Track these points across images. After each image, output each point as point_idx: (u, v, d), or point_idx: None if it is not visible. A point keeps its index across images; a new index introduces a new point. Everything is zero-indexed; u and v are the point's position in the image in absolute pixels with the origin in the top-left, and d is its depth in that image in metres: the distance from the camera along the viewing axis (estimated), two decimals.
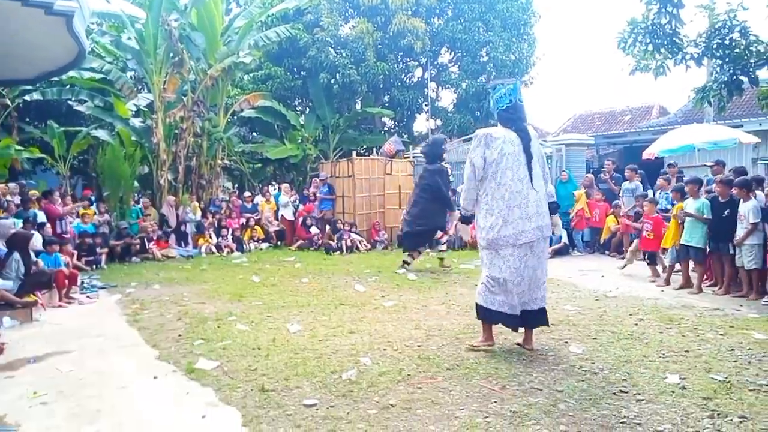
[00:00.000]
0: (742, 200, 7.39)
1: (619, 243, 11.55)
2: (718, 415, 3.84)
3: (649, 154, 12.79)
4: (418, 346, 5.54)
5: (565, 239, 11.88)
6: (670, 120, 20.34)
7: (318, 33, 18.16)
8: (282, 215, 15.20)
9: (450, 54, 21.06)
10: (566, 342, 5.61)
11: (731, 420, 3.76)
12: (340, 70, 18.24)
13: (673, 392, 4.28)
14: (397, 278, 9.52)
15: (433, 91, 21.40)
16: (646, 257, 9.22)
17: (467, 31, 19.28)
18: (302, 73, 19.56)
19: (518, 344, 5.40)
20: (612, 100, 60.21)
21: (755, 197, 7.42)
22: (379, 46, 18.96)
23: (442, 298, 7.80)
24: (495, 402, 4.14)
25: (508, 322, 5.27)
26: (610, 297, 7.70)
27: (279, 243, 14.79)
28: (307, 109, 20.74)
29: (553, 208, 5.35)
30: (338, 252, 13.12)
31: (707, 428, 3.66)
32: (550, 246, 11.60)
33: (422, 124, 22.65)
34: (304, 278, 9.59)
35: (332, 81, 18.87)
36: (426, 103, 20.36)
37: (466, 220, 5.51)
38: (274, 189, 16.41)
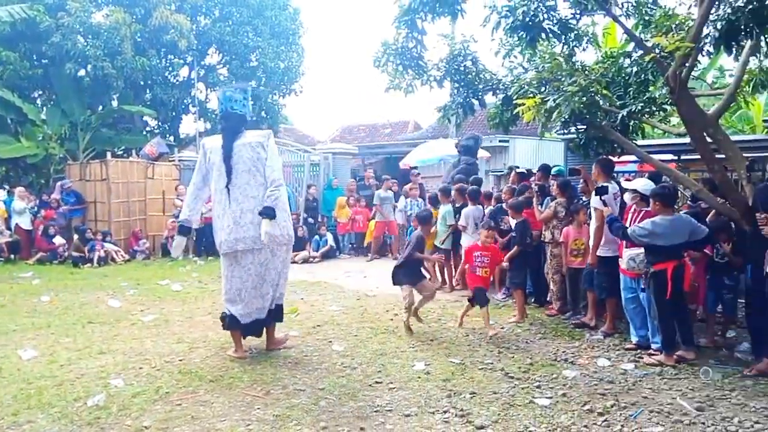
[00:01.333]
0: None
1: (381, 245, 12.50)
2: (455, 393, 4.40)
3: (405, 164, 14.11)
4: (180, 360, 5.24)
5: (331, 242, 12.41)
6: (423, 134, 22.76)
7: (63, 18, 16.02)
8: (17, 224, 13.00)
9: (219, 55, 20.45)
10: (330, 341, 5.86)
11: (464, 396, 4.34)
12: (92, 62, 16.35)
13: (419, 378, 4.77)
14: (159, 290, 8.87)
15: (201, 92, 20.54)
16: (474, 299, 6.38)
17: (236, 34, 18.95)
18: (44, 61, 17.04)
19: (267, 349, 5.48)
20: (375, 113, 65.12)
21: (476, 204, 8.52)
22: (139, 40, 17.51)
23: (208, 308, 7.50)
24: (259, 408, 4.12)
25: (246, 331, 5.36)
26: (370, 296, 8.27)
27: (13, 256, 12.63)
28: (50, 102, 18.13)
29: (268, 213, 5.00)
30: (89, 264, 11.71)
31: (445, 406, 4.16)
32: (317, 250, 12.05)
33: (190, 125, 21.57)
34: (44, 296, 8.34)
35: (82, 73, 16.81)
36: (193, 104, 19.42)
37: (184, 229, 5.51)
38: (4, 193, 13.92)
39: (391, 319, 6.78)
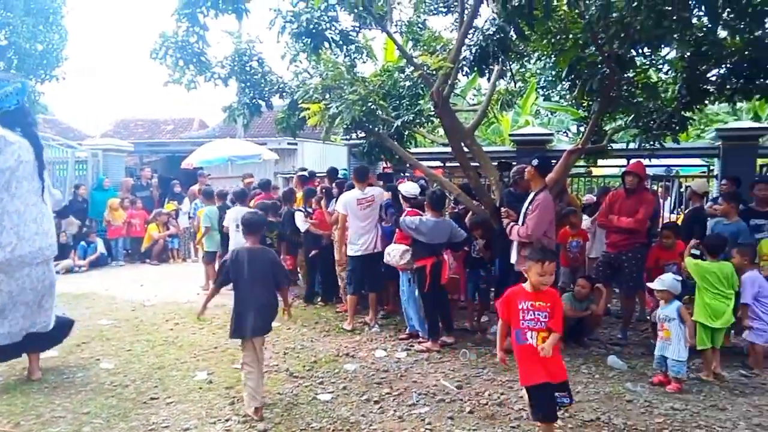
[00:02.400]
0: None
1: (161, 250, 11.66)
2: (238, 400, 4.31)
3: (187, 164, 13.37)
4: None
5: (102, 249, 11.20)
6: (209, 133, 21.82)
7: None
8: None
9: None
10: (98, 359, 5.29)
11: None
12: None
13: (201, 389, 4.57)
14: None
15: None
16: None
17: None
18: None
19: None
20: (156, 108, 60.49)
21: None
22: None
23: None
24: None
25: (3, 357, 4.66)
26: (148, 306, 7.66)
27: None
28: None
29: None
30: None
31: (228, 415, 4.05)
32: (84, 258, 10.76)
33: None
34: None
35: None
36: None
37: None
38: None
39: (171, 329, 6.37)
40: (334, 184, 7.89)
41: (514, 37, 5.76)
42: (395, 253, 5.80)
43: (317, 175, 10.02)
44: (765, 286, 5.10)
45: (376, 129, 6.93)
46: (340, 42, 6.52)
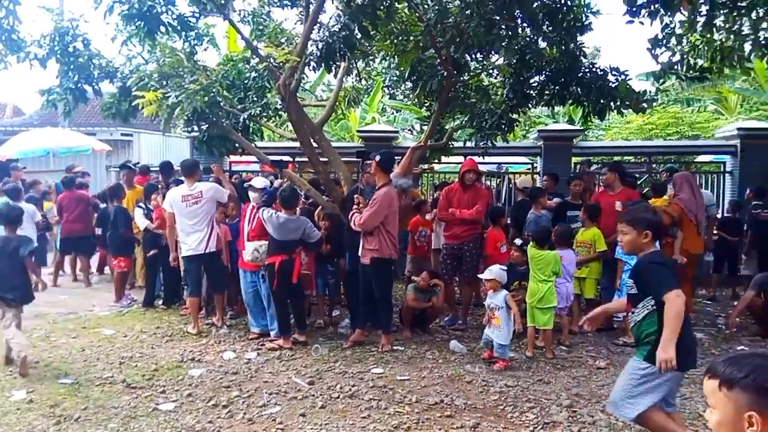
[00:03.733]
0: None
1: None
2: (65, 419, 3.88)
3: (1, 156, 11.70)
4: None
5: None
6: (25, 121, 19.33)
7: None
8: None
9: None
10: None
11: (78, 419, 3.87)
12: None
13: (19, 409, 4.04)
14: None
15: None
16: None
17: None
18: None
19: None
20: None
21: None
22: None
23: None
24: None
25: None
26: None
27: None
28: None
29: None
30: None
31: None
32: None
33: None
34: None
35: None
36: None
37: None
38: None
39: None
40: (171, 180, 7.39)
41: (359, 35, 5.88)
42: (262, 249, 5.61)
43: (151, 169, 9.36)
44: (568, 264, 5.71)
45: (221, 121, 6.64)
46: (178, 27, 6.13)
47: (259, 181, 6.10)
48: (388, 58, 7.60)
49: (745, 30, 6.78)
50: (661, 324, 2.96)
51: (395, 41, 6.46)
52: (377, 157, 5.28)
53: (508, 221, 7.25)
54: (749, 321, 6.22)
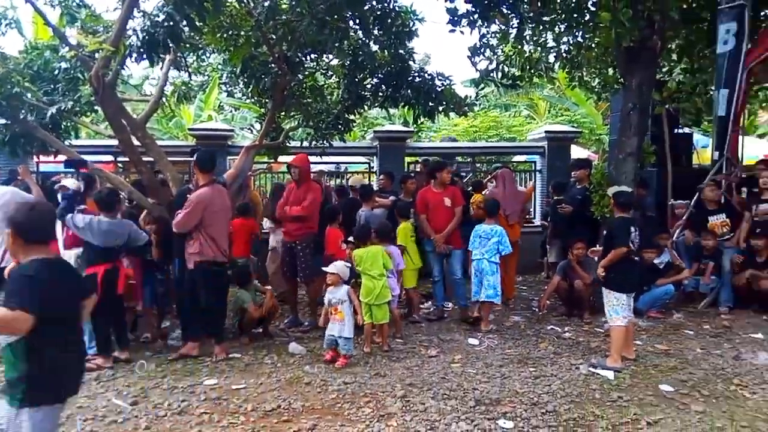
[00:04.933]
0: None
1: None
2: None
3: None
4: None
5: None
6: None
7: None
8: None
9: None
10: None
11: None
12: None
13: None
14: None
15: None
16: None
17: None
18: None
19: None
20: None
21: None
22: None
23: None
24: None
25: None
26: None
27: None
28: None
29: None
30: None
31: None
32: None
33: None
34: None
35: None
36: None
37: None
38: None
39: None
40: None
41: (186, 27, 5.54)
42: (71, 257, 5.00)
43: None
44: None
45: (23, 117, 5.85)
46: None
47: (70, 183, 5.46)
48: (221, 53, 7.27)
49: (550, 43, 7.64)
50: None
51: (225, 36, 6.19)
52: (194, 157, 5.03)
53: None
54: (557, 303, 7.00)
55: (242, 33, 6.16)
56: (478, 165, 12.10)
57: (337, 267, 5.16)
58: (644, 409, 3.96)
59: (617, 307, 4.81)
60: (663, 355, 5.13)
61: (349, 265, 5.40)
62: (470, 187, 8.36)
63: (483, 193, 7.77)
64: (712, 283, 6.82)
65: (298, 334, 6.04)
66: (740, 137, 7.77)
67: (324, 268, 5.37)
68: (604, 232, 5.02)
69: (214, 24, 6.01)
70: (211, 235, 5.11)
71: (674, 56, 8.92)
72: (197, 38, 6.74)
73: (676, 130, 8.92)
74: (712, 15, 7.56)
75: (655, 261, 6.73)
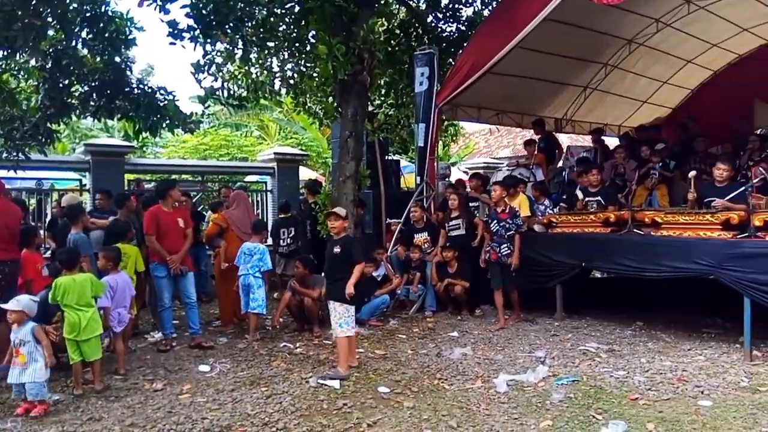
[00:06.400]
0: None
1: None
2: None
3: None
4: None
5: None
6: None
7: None
8: None
9: None
10: None
11: None
12: None
13: None
14: None
15: None
16: None
17: None
18: None
19: None
20: None
21: None
22: None
23: None
24: None
25: None
26: None
27: None
28: None
29: None
30: None
31: None
32: None
33: None
34: None
35: None
36: None
37: None
38: None
39: None
40: None
41: None
42: None
43: None
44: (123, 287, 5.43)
45: None
46: None
47: None
48: None
49: (275, 68, 7.87)
50: None
51: None
52: None
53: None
54: (290, 320, 7.14)
55: None
56: (209, 184, 11.74)
57: (22, 303, 4.37)
58: (365, 412, 4.27)
59: (348, 319, 5.11)
60: (381, 359, 5.63)
61: (37, 299, 4.63)
62: (208, 209, 8.14)
63: (220, 212, 7.61)
64: (420, 291, 7.80)
65: None
66: (435, 164, 9.10)
67: (2, 305, 4.50)
68: (336, 249, 5.23)
69: None
70: None
71: (383, 92, 10.06)
72: None
73: (387, 157, 10.03)
74: (411, 59, 8.76)
75: (374, 273, 7.42)
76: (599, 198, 7.18)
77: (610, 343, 5.96)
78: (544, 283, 7.05)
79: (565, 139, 13.87)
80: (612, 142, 10.94)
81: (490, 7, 9.38)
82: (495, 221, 6.84)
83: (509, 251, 6.68)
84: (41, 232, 6.01)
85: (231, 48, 7.30)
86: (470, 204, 8.27)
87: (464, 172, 15.04)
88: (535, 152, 9.47)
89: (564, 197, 8.11)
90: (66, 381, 4.85)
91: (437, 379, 4.97)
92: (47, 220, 9.16)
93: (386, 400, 4.51)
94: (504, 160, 15.40)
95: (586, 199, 7.26)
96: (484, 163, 15.00)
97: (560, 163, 9.90)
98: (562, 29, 8.17)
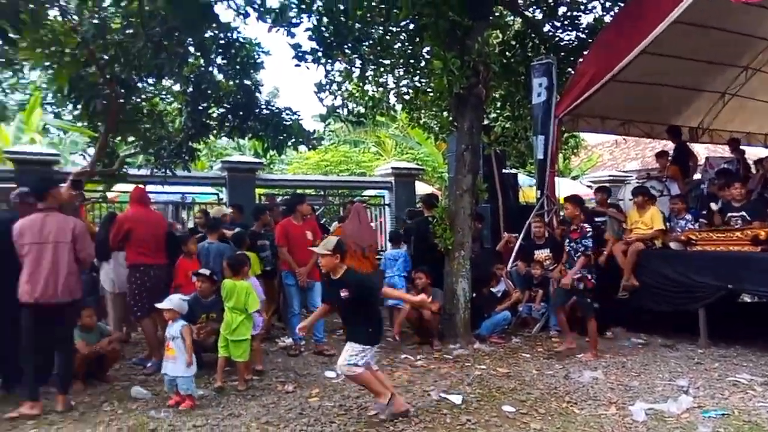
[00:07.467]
0: None
1: None
2: None
3: None
4: None
5: None
6: None
7: None
8: None
9: None
10: None
11: None
12: None
13: None
14: None
15: None
16: None
17: None
18: None
19: None
20: None
21: None
22: None
23: None
24: None
25: None
26: None
27: None
28: None
29: None
30: None
31: None
32: None
33: None
34: None
35: None
36: None
37: None
38: None
39: None
40: None
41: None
42: None
43: None
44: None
45: None
46: None
47: None
48: (42, 70, 6.51)
49: (390, 84, 8.01)
50: None
51: (47, 52, 5.55)
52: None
53: None
54: (411, 331, 7.13)
55: (67, 50, 5.56)
56: (330, 198, 12.18)
57: (173, 302, 4.82)
58: (490, 430, 4.12)
59: (356, 358, 4.33)
60: (504, 377, 5.43)
61: (186, 298, 5.05)
62: (336, 221, 8.40)
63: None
64: (542, 309, 7.46)
65: (141, 376, 5.48)
66: (556, 178, 8.71)
67: (157, 305, 4.95)
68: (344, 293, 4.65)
69: (33, 38, 5.37)
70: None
71: (499, 104, 9.86)
72: (12, 52, 5.97)
73: (504, 170, 9.78)
74: (527, 70, 8.50)
75: (493, 289, 7.23)
76: (743, 213, 6.50)
77: (766, 375, 5.30)
78: (683, 306, 6.45)
79: (701, 150, 12.76)
80: (753, 152, 9.86)
81: (611, 13, 8.87)
82: (567, 240, 6.40)
83: (580, 275, 6.09)
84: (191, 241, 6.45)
85: (349, 67, 7.54)
86: (596, 219, 7.80)
87: (587, 186, 14.31)
88: (668, 164, 8.76)
89: (704, 212, 7.41)
90: (208, 378, 5.19)
91: (566, 402, 4.69)
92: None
93: (512, 420, 4.32)
94: (633, 173, 14.47)
95: (728, 214, 6.58)
96: (610, 176, 14.14)
97: (697, 176, 9.10)
98: (691, 31, 7.53)
